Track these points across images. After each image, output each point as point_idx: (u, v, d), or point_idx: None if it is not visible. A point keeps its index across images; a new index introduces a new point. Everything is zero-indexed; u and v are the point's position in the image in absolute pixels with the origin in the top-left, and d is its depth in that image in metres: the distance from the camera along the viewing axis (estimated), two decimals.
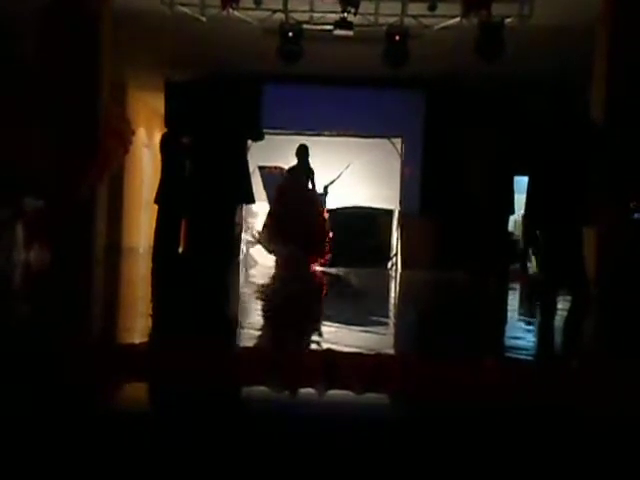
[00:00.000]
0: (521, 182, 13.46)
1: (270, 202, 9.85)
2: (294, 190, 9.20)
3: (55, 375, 2.31)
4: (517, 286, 7.93)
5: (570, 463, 1.74)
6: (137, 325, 3.66)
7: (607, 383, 2.43)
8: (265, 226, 9.35)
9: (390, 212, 10.29)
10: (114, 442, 1.73)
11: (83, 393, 2.21)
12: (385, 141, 10.31)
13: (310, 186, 9.34)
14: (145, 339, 3.05)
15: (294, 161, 9.47)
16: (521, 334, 3.96)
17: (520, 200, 13.64)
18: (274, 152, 9.99)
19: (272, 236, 9.17)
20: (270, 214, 9.37)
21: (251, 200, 7.75)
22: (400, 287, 7.89)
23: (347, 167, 9.84)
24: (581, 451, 1.85)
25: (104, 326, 3.77)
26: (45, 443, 1.70)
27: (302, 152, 9.24)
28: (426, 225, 10.90)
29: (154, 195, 8.42)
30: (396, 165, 10.25)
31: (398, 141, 10.32)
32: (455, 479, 1.60)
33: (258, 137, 8.00)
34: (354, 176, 9.90)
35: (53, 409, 2.01)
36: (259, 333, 3.56)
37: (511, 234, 13.68)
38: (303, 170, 9.23)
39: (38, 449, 1.65)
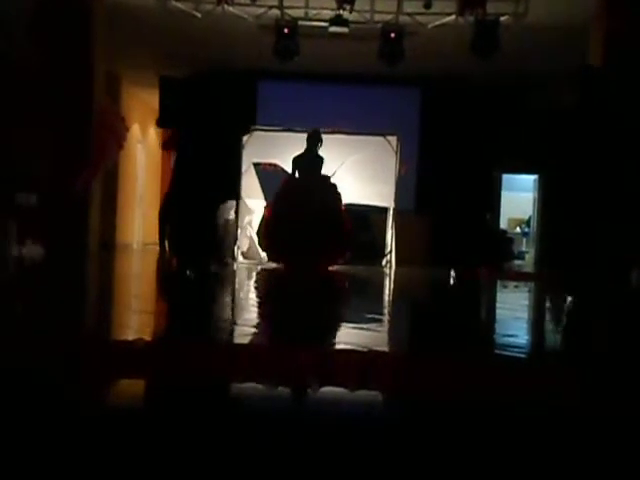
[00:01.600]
0: (512, 180, 13.62)
1: (269, 199, 9.63)
2: (303, 184, 8.24)
3: (49, 372, 2.31)
4: (512, 283, 7.95)
5: (559, 460, 1.74)
6: (132, 322, 3.65)
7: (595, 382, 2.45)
8: (265, 229, 8.45)
9: (385, 209, 10.28)
10: (107, 440, 1.73)
11: (77, 390, 2.21)
12: (380, 138, 10.29)
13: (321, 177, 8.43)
14: (140, 336, 3.05)
15: (288, 158, 9.32)
16: (507, 331, 3.97)
17: (510, 198, 13.80)
18: (269, 149, 9.96)
19: (275, 242, 8.19)
20: (272, 217, 8.37)
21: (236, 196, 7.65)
22: (394, 284, 7.89)
23: (341, 165, 9.72)
24: (570, 449, 1.86)
25: (98, 322, 3.76)
26: (39, 442, 1.70)
27: (313, 138, 8.40)
28: (421, 222, 10.93)
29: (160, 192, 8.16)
30: (391, 162, 10.25)
31: (393, 138, 10.30)
32: (447, 476, 1.60)
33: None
34: (349, 173, 9.83)
35: (48, 407, 2.00)
36: (254, 330, 3.57)
37: (505, 232, 13.75)
38: (312, 158, 8.34)
39: (33, 448, 1.65)
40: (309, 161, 8.31)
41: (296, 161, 8.38)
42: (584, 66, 5.35)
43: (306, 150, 8.38)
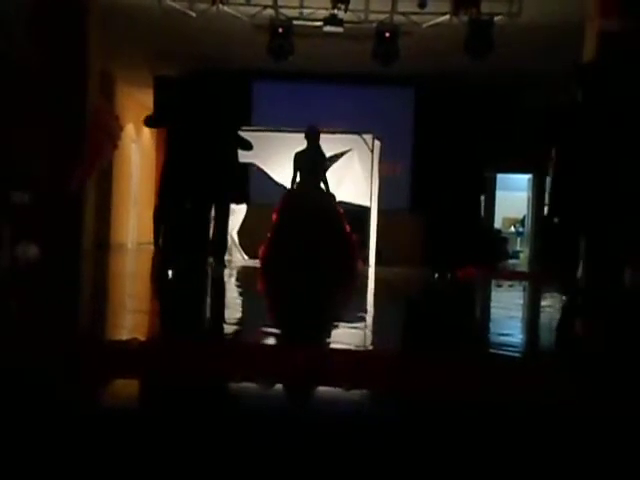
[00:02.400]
0: (506, 180, 13.65)
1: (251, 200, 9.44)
2: (308, 193, 7.82)
3: (44, 372, 2.31)
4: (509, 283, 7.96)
5: (554, 460, 1.75)
6: (126, 321, 3.65)
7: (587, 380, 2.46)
8: (271, 246, 7.88)
9: (367, 209, 10.20)
10: (102, 440, 1.72)
11: (72, 390, 2.20)
12: (357, 137, 10.07)
13: (323, 185, 8.00)
14: (134, 336, 3.05)
15: (268, 158, 9.18)
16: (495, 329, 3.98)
17: (505, 197, 13.83)
18: (260, 149, 9.94)
19: (283, 254, 7.64)
20: (277, 231, 7.86)
21: (246, 200, 7.37)
22: (385, 285, 7.89)
23: (338, 157, 9.38)
24: (565, 448, 1.87)
25: (93, 322, 3.76)
26: (34, 442, 1.70)
27: (313, 133, 8.05)
28: (416, 222, 10.94)
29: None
30: (368, 161, 10.09)
31: (369, 137, 10.09)
32: (441, 476, 1.61)
33: (248, 146, 7.45)
34: (334, 172, 9.67)
35: (42, 408, 2.00)
36: (246, 329, 3.57)
37: (499, 232, 13.78)
38: (313, 155, 7.93)
39: (28, 448, 1.65)
40: (311, 158, 7.95)
41: (298, 159, 8.05)
42: (577, 65, 5.33)
43: (308, 146, 8.06)
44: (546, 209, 5.10)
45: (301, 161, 8.03)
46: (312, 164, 7.98)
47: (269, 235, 8.08)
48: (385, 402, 2.32)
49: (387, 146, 10.71)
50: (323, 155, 8.14)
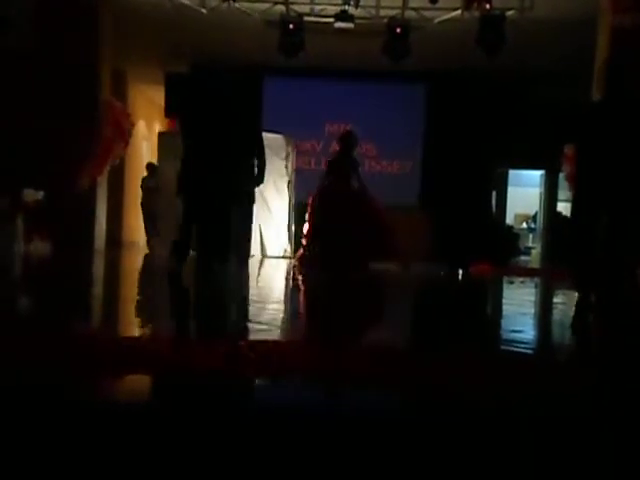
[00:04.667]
0: (518, 176, 13.58)
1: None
2: (338, 191, 7.59)
3: (54, 369, 2.31)
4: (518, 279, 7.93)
5: (564, 458, 1.74)
6: (137, 319, 3.66)
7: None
8: (308, 245, 7.74)
9: None
10: (113, 435, 1.73)
11: (83, 386, 2.21)
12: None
13: (356, 184, 7.66)
14: (145, 333, 3.05)
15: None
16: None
17: (517, 193, 13.75)
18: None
19: (317, 256, 7.51)
20: (313, 230, 7.70)
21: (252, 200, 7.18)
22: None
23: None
24: (576, 446, 1.86)
25: (105, 319, 3.77)
26: (45, 437, 1.70)
27: (347, 139, 7.71)
28: (426, 218, 10.90)
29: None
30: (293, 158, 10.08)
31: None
32: (453, 473, 1.60)
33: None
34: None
35: (53, 401, 2.01)
36: (258, 326, 3.57)
37: (511, 227, 13.72)
38: (347, 162, 7.64)
39: (39, 443, 1.65)
40: (344, 162, 7.64)
41: (330, 166, 7.76)
42: (609, 63, 5.20)
43: (340, 153, 7.76)
44: (563, 207, 5.03)
45: (333, 170, 7.74)
46: (345, 168, 7.66)
47: (304, 237, 8.02)
48: (398, 398, 2.31)
49: (397, 143, 10.66)
50: (355, 159, 7.80)
